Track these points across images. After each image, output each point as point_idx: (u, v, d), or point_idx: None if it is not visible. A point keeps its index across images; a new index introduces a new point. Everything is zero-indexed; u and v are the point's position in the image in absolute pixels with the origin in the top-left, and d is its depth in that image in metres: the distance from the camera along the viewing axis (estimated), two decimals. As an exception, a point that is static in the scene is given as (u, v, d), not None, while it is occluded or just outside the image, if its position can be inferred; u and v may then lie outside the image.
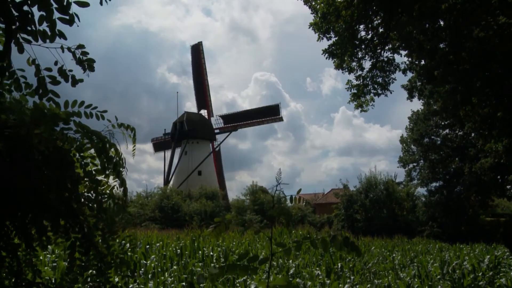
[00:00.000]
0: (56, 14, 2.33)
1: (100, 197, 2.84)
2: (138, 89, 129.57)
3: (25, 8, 2.19)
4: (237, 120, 62.42)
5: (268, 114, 61.60)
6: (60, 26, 2.41)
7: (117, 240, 3.03)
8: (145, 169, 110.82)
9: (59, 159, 2.51)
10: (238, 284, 9.06)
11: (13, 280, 2.78)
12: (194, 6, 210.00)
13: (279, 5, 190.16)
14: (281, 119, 62.12)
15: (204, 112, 63.35)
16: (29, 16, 2.22)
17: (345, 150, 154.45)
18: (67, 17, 2.38)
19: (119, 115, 2.94)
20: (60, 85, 2.84)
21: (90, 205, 2.81)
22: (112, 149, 2.78)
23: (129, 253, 11.97)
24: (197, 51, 61.63)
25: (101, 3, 2.54)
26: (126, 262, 3.04)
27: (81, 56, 2.91)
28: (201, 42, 62.15)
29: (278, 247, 1.88)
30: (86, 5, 2.43)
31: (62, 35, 2.47)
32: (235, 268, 1.79)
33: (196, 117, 61.07)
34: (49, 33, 2.44)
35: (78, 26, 2.45)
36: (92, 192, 2.80)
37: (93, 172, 2.75)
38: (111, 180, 2.88)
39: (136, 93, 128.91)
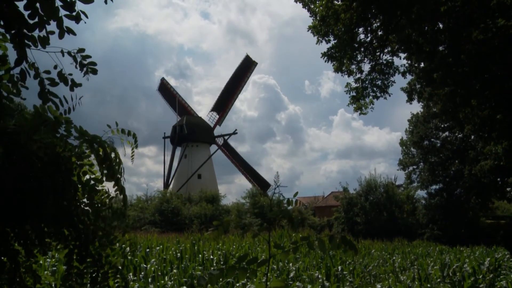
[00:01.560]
0: (62, 12, 2.36)
1: (98, 205, 2.82)
2: (136, 92, 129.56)
3: (23, 10, 2.21)
4: (233, 155, 61.55)
5: (258, 182, 58.82)
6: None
7: (117, 244, 3.02)
8: (144, 173, 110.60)
9: (58, 165, 2.50)
10: (238, 288, 9.05)
11: (14, 286, 2.76)
12: (191, 9, 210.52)
13: (276, 8, 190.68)
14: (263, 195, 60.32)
15: (214, 115, 62.70)
16: (26, 19, 2.23)
17: (344, 153, 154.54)
18: (74, 14, 2.41)
19: (117, 118, 2.95)
20: (58, 90, 2.84)
21: (89, 213, 2.79)
22: (113, 154, 2.78)
23: (129, 257, 11.96)
24: (248, 64, 60.43)
25: (105, 2, 2.55)
26: (121, 272, 3.02)
27: (82, 60, 2.91)
28: (256, 63, 61.02)
29: (277, 249, 1.88)
30: (90, 1, 2.45)
31: (70, 31, 2.49)
32: (234, 270, 1.79)
33: (195, 121, 60.94)
34: (48, 37, 2.44)
35: (85, 22, 2.48)
36: (88, 201, 2.79)
37: (91, 182, 2.75)
38: (111, 189, 2.87)
39: (134, 96, 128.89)
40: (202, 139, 59.90)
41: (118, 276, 2.99)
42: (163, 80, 64.43)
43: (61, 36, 2.46)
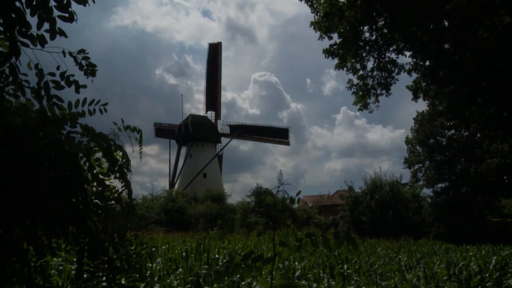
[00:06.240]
0: (56, 12, 2.34)
1: (107, 202, 2.82)
2: (136, 91, 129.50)
3: (18, 6, 2.21)
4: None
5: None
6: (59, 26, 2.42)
7: (132, 247, 3.01)
8: (147, 172, 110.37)
9: (66, 162, 2.50)
10: None
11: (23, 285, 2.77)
12: (190, 7, 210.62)
13: (278, 5, 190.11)
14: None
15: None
16: (25, 17, 2.24)
17: (348, 151, 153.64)
18: (67, 15, 2.38)
19: (119, 116, 2.95)
20: (63, 91, 2.84)
21: (99, 211, 2.79)
22: (119, 152, 2.78)
23: (133, 257, 11.99)
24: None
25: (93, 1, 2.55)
26: (134, 266, 3.02)
27: (82, 61, 2.91)
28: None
29: (282, 247, 1.90)
30: (84, 2, 2.45)
31: (62, 33, 2.46)
32: (240, 268, 1.81)
33: (201, 120, 61.03)
34: (45, 35, 2.44)
35: (77, 23, 2.46)
36: (98, 198, 2.79)
37: (100, 176, 2.74)
38: (118, 185, 2.88)
39: (135, 94, 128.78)
40: (207, 138, 60.04)
41: (132, 273, 2.99)
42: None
43: (53, 36, 2.43)
